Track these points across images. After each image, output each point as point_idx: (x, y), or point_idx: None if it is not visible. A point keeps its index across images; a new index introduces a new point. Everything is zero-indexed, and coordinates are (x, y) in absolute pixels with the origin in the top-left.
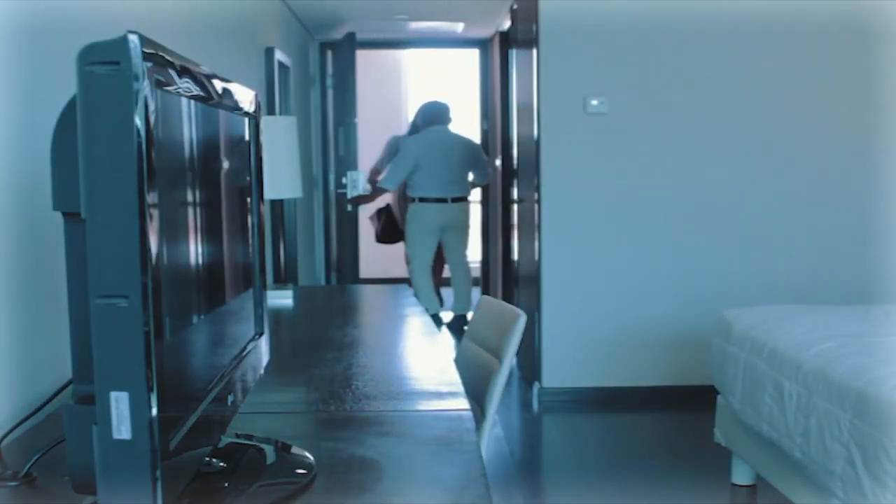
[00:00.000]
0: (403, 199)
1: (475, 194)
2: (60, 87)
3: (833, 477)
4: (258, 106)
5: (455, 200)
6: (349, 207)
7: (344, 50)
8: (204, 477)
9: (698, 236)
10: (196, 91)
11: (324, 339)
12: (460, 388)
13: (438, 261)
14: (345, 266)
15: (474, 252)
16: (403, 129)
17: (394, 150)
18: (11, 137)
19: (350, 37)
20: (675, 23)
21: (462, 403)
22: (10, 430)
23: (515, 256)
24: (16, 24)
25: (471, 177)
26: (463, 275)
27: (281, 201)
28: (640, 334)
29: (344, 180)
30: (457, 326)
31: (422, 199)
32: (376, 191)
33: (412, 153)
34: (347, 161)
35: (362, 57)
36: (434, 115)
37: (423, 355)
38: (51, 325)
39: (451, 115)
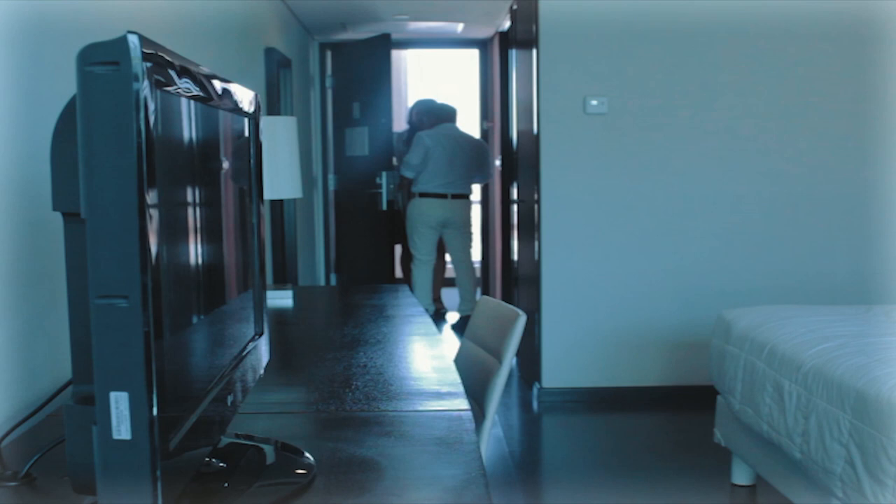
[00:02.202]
0: (406, 195)
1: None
2: (60, 87)
3: (833, 477)
4: (258, 106)
5: (455, 197)
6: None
7: (378, 49)
8: (204, 477)
9: (698, 236)
10: (196, 91)
11: (324, 339)
12: (460, 388)
13: (440, 262)
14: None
15: (474, 252)
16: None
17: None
18: (11, 137)
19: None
20: (675, 23)
21: (462, 403)
22: (10, 430)
23: (515, 256)
24: (16, 25)
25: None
26: (467, 275)
27: (281, 201)
28: (640, 334)
29: (378, 180)
30: (462, 328)
31: (422, 195)
32: (402, 181)
33: (425, 144)
34: (381, 161)
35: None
36: (442, 114)
37: (423, 355)
38: (51, 325)
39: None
